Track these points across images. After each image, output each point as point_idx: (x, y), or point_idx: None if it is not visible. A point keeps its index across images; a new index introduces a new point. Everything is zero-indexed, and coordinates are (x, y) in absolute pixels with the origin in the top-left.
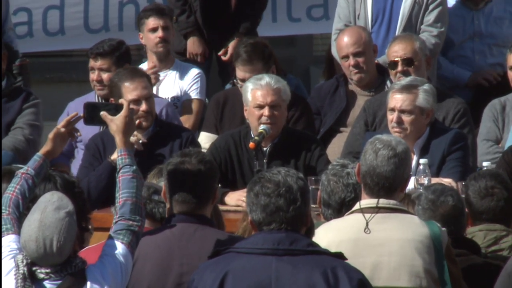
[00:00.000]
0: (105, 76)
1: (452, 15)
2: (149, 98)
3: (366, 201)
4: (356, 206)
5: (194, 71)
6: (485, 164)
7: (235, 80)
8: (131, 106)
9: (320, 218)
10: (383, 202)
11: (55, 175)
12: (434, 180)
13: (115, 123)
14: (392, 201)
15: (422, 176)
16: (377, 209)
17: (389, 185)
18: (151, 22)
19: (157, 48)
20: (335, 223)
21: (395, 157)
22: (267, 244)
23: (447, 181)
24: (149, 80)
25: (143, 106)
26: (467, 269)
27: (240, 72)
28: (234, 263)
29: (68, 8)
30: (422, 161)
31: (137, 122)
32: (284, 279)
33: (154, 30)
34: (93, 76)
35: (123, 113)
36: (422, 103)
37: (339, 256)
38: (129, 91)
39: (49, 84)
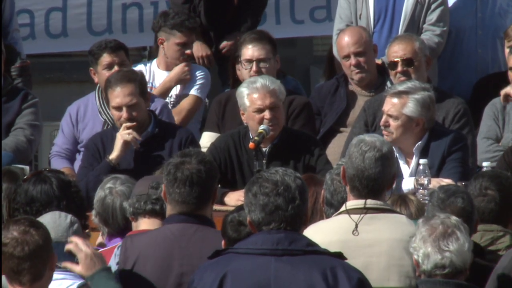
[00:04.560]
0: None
1: (456, 8)
2: (132, 106)
3: (353, 202)
4: (343, 208)
5: (199, 70)
6: (485, 164)
7: (239, 59)
8: (114, 112)
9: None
10: (370, 202)
11: (51, 176)
12: (434, 181)
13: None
14: (379, 202)
15: (422, 177)
16: (365, 210)
17: (377, 186)
18: (182, 37)
19: (182, 61)
20: (323, 224)
21: (382, 158)
22: (266, 245)
23: (447, 181)
24: (140, 85)
25: (124, 114)
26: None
27: (247, 51)
28: (233, 264)
29: (71, 10)
30: (422, 161)
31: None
32: (283, 279)
33: (183, 45)
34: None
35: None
36: (409, 112)
37: (338, 255)
38: (112, 97)
39: (49, 84)
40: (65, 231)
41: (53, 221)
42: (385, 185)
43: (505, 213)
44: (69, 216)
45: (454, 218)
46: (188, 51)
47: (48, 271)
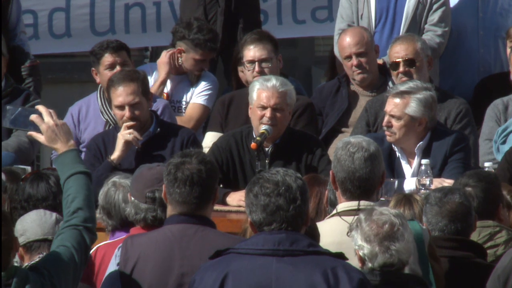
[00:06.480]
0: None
1: (457, 8)
2: (135, 104)
3: (345, 204)
4: (334, 211)
5: (210, 79)
6: (486, 164)
7: (243, 61)
8: (117, 111)
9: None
10: (363, 204)
11: (48, 174)
12: (436, 181)
13: (43, 135)
14: (372, 203)
15: (424, 177)
16: (359, 212)
17: (369, 186)
18: (203, 54)
19: (196, 73)
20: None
21: (371, 158)
22: (267, 245)
23: (449, 182)
24: (143, 85)
25: (126, 113)
26: (469, 272)
27: (249, 52)
28: (234, 264)
29: (74, 10)
30: (424, 161)
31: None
32: (285, 279)
33: (200, 61)
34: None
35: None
36: (412, 112)
37: (340, 256)
38: (115, 96)
39: (51, 85)
40: (51, 228)
41: (39, 218)
42: (376, 184)
43: (488, 209)
44: (54, 214)
45: (394, 212)
46: (205, 68)
47: (12, 257)
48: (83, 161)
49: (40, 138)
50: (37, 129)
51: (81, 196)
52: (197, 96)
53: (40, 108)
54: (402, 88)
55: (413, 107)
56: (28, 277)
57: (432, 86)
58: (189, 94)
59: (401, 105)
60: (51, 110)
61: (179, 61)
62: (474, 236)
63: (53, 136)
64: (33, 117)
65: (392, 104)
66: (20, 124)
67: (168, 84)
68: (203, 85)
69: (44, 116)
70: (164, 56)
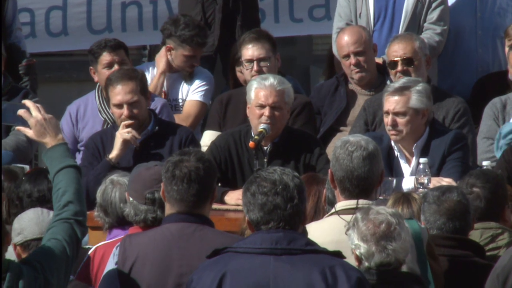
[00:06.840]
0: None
1: (455, 8)
2: (133, 103)
3: (344, 203)
4: (332, 209)
5: (204, 75)
6: (484, 163)
7: (241, 60)
8: (115, 110)
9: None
10: (362, 202)
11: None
12: (434, 180)
13: (31, 130)
14: (370, 202)
15: (422, 176)
16: (357, 211)
17: (368, 185)
18: (191, 50)
19: (187, 70)
20: (316, 225)
21: (369, 156)
22: (265, 244)
23: (447, 180)
24: (141, 83)
25: (125, 111)
26: (468, 271)
27: (247, 52)
28: (232, 263)
29: (71, 8)
30: (422, 160)
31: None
32: (282, 278)
33: (191, 57)
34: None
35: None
36: (415, 104)
37: (338, 254)
38: (113, 95)
39: (49, 84)
40: None
41: (37, 217)
42: (375, 183)
43: (494, 210)
44: (51, 212)
45: (391, 211)
46: (195, 64)
47: (5, 251)
48: (72, 155)
49: (29, 132)
50: (25, 123)
51: (71, 189)
52: (193, 93)
53: (28, 102)
54: (398, 85)
55: (415, 99)
56: (21, 271)
57: (422, 81)
58: (184, 91)
59: (403, 100)
60: (38, 105)
61: (169, 59)
62: (476, 238)
63: (41, 130)
64: (21, 111)
65: (394, 102)
66: (8, 119)
67: (164, 83)
68: (198, 81)
69: (32, 111)
70: (163, 51)
